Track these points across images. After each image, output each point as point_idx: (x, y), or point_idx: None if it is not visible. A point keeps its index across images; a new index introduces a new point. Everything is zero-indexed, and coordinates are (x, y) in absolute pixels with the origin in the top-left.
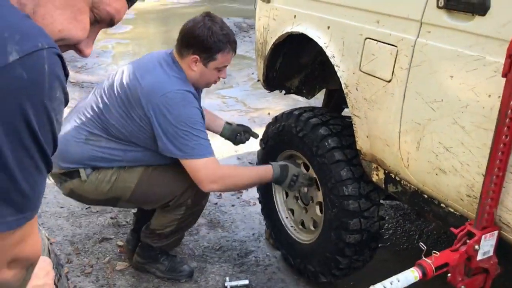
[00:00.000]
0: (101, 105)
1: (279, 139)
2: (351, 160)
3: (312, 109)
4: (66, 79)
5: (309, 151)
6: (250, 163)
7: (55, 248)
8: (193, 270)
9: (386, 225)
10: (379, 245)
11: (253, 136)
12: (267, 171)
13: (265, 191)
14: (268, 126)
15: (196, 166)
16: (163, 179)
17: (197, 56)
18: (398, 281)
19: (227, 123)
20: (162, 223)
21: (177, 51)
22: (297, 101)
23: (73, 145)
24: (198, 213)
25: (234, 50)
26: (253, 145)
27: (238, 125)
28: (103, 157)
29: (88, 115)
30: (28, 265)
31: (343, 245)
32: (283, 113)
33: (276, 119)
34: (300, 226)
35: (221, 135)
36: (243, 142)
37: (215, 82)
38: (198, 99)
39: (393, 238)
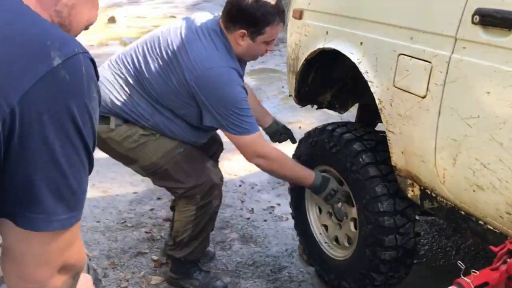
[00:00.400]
0: (141, 57)
1: (312, 155)
2: (386, 176)
3: (345, 124)
4: (97, 81)
5: (343, 167)
6: None
7: (92, 263)
8: (227, 286)
9: (422, 240)
10: (415, 261)
11: (291, 140)
12: (310, 174)
13: (298, 206)
14: (301, 141)
15: (243, 142)
16: (183, 166)
17: (244, 31)
18: None
19: (276, 122)
20: (178, 228)
21: (223, 23)
22: (328, 115)
23: (110, 90)
24: (212, 216)
25: (283, 21)
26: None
27: (284, 126)
28: (132, 110)
29: (127, 63)
30: (75, 274)
31: (378, 261)
32: (316, 128)
33: (309, 134)
34: (334, 242)
35: (265, 130)
36: (280, 142)
37: (262, 55)
38: (242, 75)
39: (429, 254)
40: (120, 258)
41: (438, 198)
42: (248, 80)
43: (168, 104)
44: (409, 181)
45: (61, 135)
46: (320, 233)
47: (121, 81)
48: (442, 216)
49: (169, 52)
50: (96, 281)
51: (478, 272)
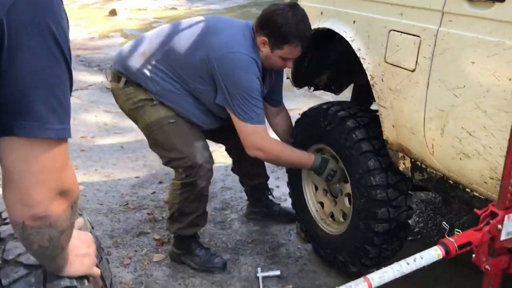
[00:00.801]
0: (173, 32)
1: (308, 134)
2: (378, 150)
3: (339, 103)
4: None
5: (337, 144)
6: None
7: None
8: (226, 262)
9: (417, 219)
10: (410, 238)
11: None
12: (309, 158)
13: (295, 185)
14: (298, 121)
15: (245, 130)
16: (171, 135)
17: (266, 39)
18: (422, 258)
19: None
20: (170, 200)
21: (255, 25)
22: (327, 101)
23: (132, 52)
24: (198, 197)
25: (303, 47)
26: None
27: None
28: (145, 74)
29: (161, 33)
30: (72, 203)
31: (372, 234)
32: (312, 108)
33: (305, 114)
34: (330, 218)
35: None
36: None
37: (279, 69)
38: (261, 70)
39: (423, 231)
40: (122, 238)
41: (428, 169)
42: None
43: (186, 76)
44: (400, 154)
45: (45, 48)
46: (317, 210)
47: (146, 45)
48: (432, 186)
49: (201, 32)
50: (99, 249)
51: (462, 233)
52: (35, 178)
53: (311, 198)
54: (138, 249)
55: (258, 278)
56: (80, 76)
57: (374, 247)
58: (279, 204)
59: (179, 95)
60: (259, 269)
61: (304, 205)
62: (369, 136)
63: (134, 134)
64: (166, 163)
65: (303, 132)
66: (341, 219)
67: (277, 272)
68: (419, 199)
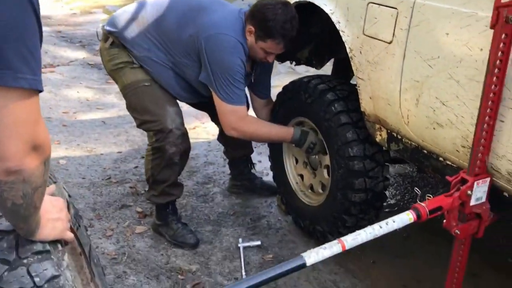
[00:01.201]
0: (171, 4)
1: (289, 107)
2: (356, 122)
3: (319, 76)
4: None
5: (317, 117)
6: None
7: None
8: (198, 243)
9: (394, 191)
10: (387, 210)
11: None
12: (288, 132)
13: (276, 159)
14: (279, 95)
15: (224, 109)
16: (145, 98)
17: (253, 29)
18: (394, 222)
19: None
20: (144, 166)
21: (246, 15)
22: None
23: (126, 15)
24: (168, 164)
25: (285, 46)
26: None
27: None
28: (133, 39)
29: (160, 4)
30: (45, 158)
31: (349, 204)
32: (293, 81)
33: (286, 87)
34: (309, 190)
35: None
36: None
37: (260, 60)
38: (247, 55)
39: (400, 204)
40: (105, 211)
41: (403, 139)
42: None
43: (174, 49)
44: (377, 126)
45: (25, 14)
46: (297, 183)
47: (142, 13)
48: (407, 156)
49: (195, 10)
50: (76, 216)
51: (432, 198)
52: (8, 130)
53: (291, 170)
54: (121, 221)
55: (239, 248)
56: (62, 52)
57: (351, 217)
58: (261, 178)
59: (163, 66)
60: (240, 240)
61: (285, 178)
62: (348, 109)
63: (116, 110)
64: (139, 125)
65: (284, 106)
66: (320, 191)
67: (258, 243)
68: (397, 172)
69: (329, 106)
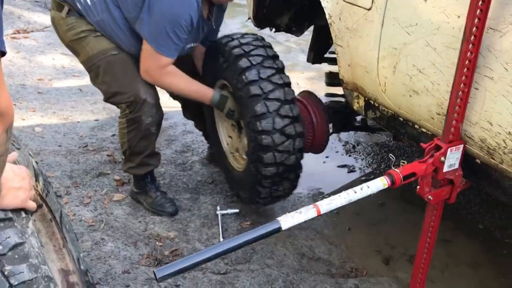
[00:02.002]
0: None
1: (211, 68)
2: (267, 94)
3: (242, 36)
4: None
5: (232, 84)
6: None
7: (53, 181)
8: (177, 211)
9: (371, 160)
10: (363, 179)
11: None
12: (206, 94)
13: (210, 116)
14: (205, 52)
15: (148, 52)
16: (114, 68)
17: None
18: (368, 187)
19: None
20: (120, 140)
21: None
22: (290, 48)
23: None
24: (145, 135)
25: None
26: None
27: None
28: (86, 2)
29: None
30: (7, 126)
31: (260, 176)
32: (215, 40)
33: (210, 45)
34: (238, 153)
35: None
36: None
37: (225, 2)
38: (200, 9)
39: (377, 172)
40: (82, 178)
41: (380, 107)
42: None
43: (125, 4)
44: (355, 94)
45: None
46: (227, 144)
47: None
48: (384, 124)
49: None
50: (45, 183)
51: (407, 164)
52: None
53: (223, 131)
54: (98, 189)
55: (217, 215)
56: (36, 17)
57: (264, 189)
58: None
59: (117, 24)
60: (218, 207)
61: (217, 137)
62: (260, 78)
63: None
64: (107, 99)
65: (207, 66)
66: (244, 156)
67: (236, 210)
68: (374, 142)
69: (241, 74)
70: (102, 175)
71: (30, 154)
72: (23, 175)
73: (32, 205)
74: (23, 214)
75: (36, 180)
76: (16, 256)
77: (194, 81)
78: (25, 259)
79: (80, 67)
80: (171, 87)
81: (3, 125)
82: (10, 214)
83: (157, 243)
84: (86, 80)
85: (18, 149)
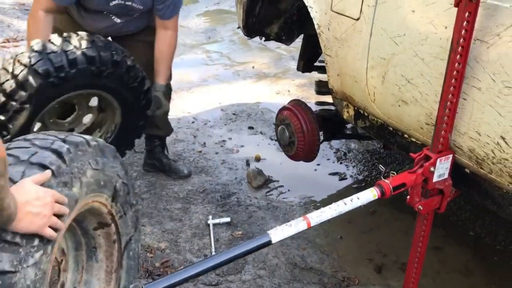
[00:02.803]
0: None
1: None
2: None
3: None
4: None
5: None
6: (234, 114)
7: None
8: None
9: (362, 167)
10: (355, 186)
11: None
12: None
13: None
14: None
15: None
16: None
17: None
18: (358, 198)
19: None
20: None
21: None
22: (281, 55)
23: None
24: None
25: None
26: (235, 97)
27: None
28: None
29: None
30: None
31: None
32: None
33: None
34: None
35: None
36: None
37: None
38: None
39: (368, 180)
40: None
41: (369, 116)
42: (202, 21)
43: None
44: (344, 103)
45: None
46: None
47: None
48: (373, 133)
49: None
50: (125, 204)
51: (396, 175)
52: None
53: None
54: None
55: (208, 225)
56: (25, 25)
57: None
58: (172, 160)
59: None
60: (210, 217)
61: None
62: None
63: None
64: None
65: None
66: None
67: (227, 219)
68: (365, 149)
69: None
70: None
71: (118, 175)
72: (46, 200)
73: (49, 232)
74: (36, 242)
75: (112, 201)
76: (0, 282)
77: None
78: None
79: None
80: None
81: None
82: (17, 239)
83: (147, 254)
84: None
85: (96, 169)
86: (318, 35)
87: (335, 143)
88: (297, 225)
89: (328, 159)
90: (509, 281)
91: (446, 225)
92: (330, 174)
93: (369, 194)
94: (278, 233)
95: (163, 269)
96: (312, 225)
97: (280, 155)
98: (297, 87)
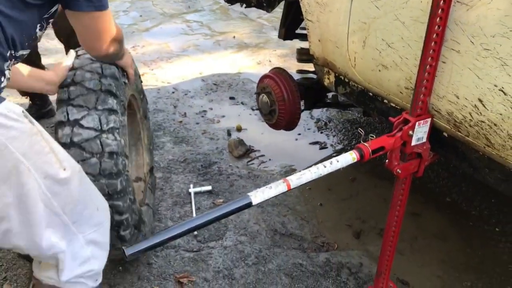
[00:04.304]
0: None
1: None
2: None
3: None
4: None
5: None
6: (214, 84)
7: None
8: None
9: (342, 137)
10: (335, 155)
11: None
12: None
13: None
14: None
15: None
16: None
17: None
18: (338, 161)
19: None
20: None
21: None
22: (262, 25)
23: None
24: None
25: None
26: (215, 67)
27: None
28: None
29: None
30: (119, 42)
31: None
32: None
33: None
34: None
35: None
36: None
37: None
38: None
39: (348, 148)
40: None
41: (350, 83)
42: None
43: None
44: (325, 69)
45: None
46: None
47: None
48: (354, 99)
49: None
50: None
51: (375, 138)
52: (94, 36)
53: None
54: None
55: (190, 193)
56: None
57: None
58: None
59: None
60: (191, 185)
61: None
62: None
63: (61, 55)
64: None
65: None
66: None
67: (209, 188)
68: (346, 119)
69: None
70: None
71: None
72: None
73: (131, 71)
74: None
75: None
76: None
77: None
78: None
79: (47, 45)
80: None
81: (118, 42)
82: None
83: None
84: (53, 58)
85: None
86: (300, 0)
87: (316, 112)
88: (277, 187)
89: (309, 129)
90: (484, 246)
91: (423, 192)
92: (310, 143)
93: (348, 157)
94: (258, 195)
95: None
96: (292, 187)
97: (261, 125)
98: (279, 57)
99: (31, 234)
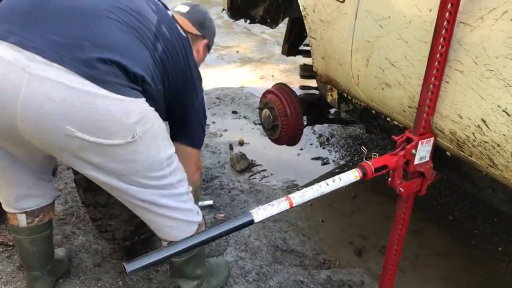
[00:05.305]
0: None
1: None
2: None
3: None
4: None
5: None
6: (217, 98)
7: None
8: None
9: (344, 153)
10: (337, 171)
11: None
12: None
13: None
14: None
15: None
16: None
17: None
18: (340, 179)
19: None
20: None
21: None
22: (266, 40)
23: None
24: None
25: None
26: (219, 81)
27: None
28: None
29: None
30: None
31: None
32: None
33: None
34: None
35: None
36: None
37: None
38: None
39: (350, 164)
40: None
41: (353, 100)
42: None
43: None
44: (328, 86)
45: None
46: None
47: None
48: (357, 116)
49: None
50: None
51: (378, 157)
52: (191, 164)
53: None
54: (69, 182)
55: None
56: None
57: None
58: None
59: None
60: None
61: None
62: None
63: None
64: None
65: None
66: None
67: (210, 202)
68: (348, 135)
69: None
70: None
71: None
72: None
73: None
74: None
75: None
76: None
77: None
78: None
79: None
80: None
81: (199, 171)
82: None
83: None
84: None
85: None
86: (303, 18)
87: (318, 128)
88: (279, 205)
89: (311, 144)
90: (486, 265)
91: (426, 210)
92: (312, 158)
93: (351, 175)
94: (260, 212)
95: (145, 250)
96: (294, 205)
97: (264, 139)
98: (281, 72)
99: None
